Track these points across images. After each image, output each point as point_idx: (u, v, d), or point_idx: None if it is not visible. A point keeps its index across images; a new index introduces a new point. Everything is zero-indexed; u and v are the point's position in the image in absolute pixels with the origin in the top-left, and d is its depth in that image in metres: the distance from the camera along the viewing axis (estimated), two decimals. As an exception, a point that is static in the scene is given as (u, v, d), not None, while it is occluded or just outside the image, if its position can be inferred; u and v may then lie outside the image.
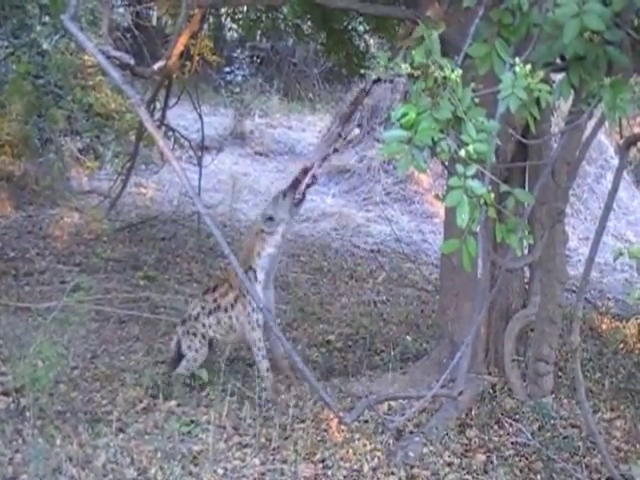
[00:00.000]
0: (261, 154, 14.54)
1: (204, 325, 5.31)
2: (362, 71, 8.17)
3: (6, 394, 4.81)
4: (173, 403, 4.86)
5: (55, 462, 4.13)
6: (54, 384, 4.89)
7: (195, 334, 5.33)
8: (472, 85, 2.87)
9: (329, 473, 4.26)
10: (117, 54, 4.61)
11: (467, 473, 4.36)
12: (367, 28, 8.51)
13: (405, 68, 2.82)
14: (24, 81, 8.82)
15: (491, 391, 5.24)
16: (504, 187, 3.01)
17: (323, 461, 4.37)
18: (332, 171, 12.65)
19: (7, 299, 6.35)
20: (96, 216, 8.59)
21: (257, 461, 4.34)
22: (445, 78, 2.75)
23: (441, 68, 2.76)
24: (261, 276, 5.18)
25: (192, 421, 4.69)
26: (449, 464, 4.43)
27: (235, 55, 17.11)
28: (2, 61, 9.16)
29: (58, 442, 4.33)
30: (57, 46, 8.91)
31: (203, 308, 5.35)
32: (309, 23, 8.70)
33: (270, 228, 5.17)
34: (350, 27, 8.24)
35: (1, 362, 5.28)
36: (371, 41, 9.75)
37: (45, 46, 8.56)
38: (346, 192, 12.02)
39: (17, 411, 4.62)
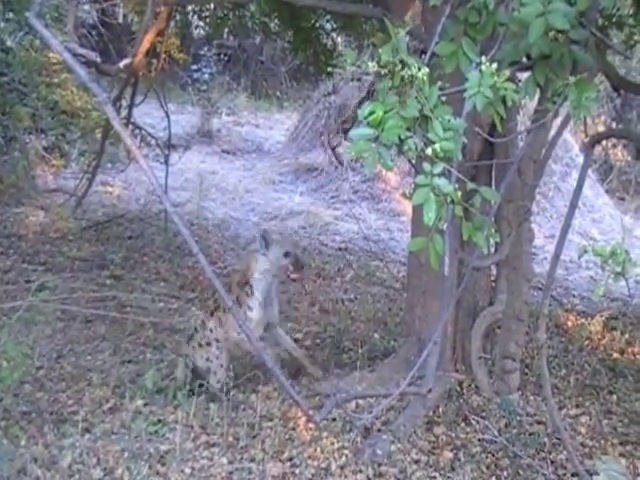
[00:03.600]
0: (228, 152, 14.51)
1: (212, 330, 5.23)
2: (329, 69, 8.18)
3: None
4: (140, 403, 4.83)
5: (20, 463, 4.08)
6: (19, 384, 4.84)
7: (209, 343, 5.20)
8: (439, 83, 2.88)
9: (297, 471, 4.26)
10: (83, 51, 4.57)
11: (434, 470, 4.38)
12: (334, 26, 8.51)
13: (372, 66, 2.83)
14: (-13, 79, 8.71)
15: (458, 388, 5.27)
16: (471, 185, 3.02)
17: (291, 459, 4.37)
18: (300, 169, 12.67)
19: (-29, 299, 6.27)
20: (62, 215, 8.51)
21: (225, 460, 4.32)
22: (412, 76, 2.76)
23: (408, 66, 2.77)
24: (257, 292, 5.16)
25: (159, 420, 4.66)
26: (416, 461, 4.45)
27: (202, 53, 17.03)
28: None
29: (23, 443, 4.29)
30: (21, 43, 8.82)
31: (205, 312, 5.29)
32: (276, 21, 8.68)
33: (262, 250, 5.16)
34: (317, 25, 8.23)
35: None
36: (338, 39, 9.76)
37: (9, 43, 8.47)
38: (314, 190, 12.03)
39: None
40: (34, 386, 5.00)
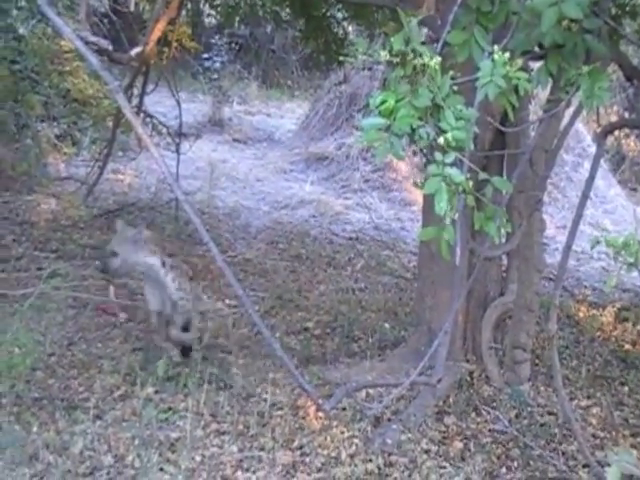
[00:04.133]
0: (239, 141, 14.51)
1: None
2: (340, 58, 8.16)
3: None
4: (150, 390, 4.85)
5: (32, 449, 4.10)
6: (31, 371, 4.86)
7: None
8: (451, 73, 2.87)
9: (307, 460, 4.27)
10: (95, 39, 4.58)
11: (445, 460, 4.38)
12: (346, 15, 8.49)
13: (384, 55, 2.82)
14: (0, 66, 8.72)
15: (469, 379, 5.27)
16: (482, 175, 3.01)
17: (301, 448, 4.38)
18: (311, 158, 12.66)
19: (-17, 286, 6.29)
20: (73, 202, 8.53)
21: (235, 448, 4.34)
22: (424, 65, 2.75)
23: (420, 55, 2.76)
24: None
25: (170, 408, 4.68)
26: (427, 451, 4.46)
27: (213, 42, 17.00)
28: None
29: (35, 429, 4.31)
30: (34, 31, 8.83)
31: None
32: (288, 10, 8.67)
33: None
34: (329, 14, 8.22)
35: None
36: (350, 28, 9.74)
37: (21, 31, 8.48)
38: (324, 179, 12.01)
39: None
40: (46, 373, 5.02)
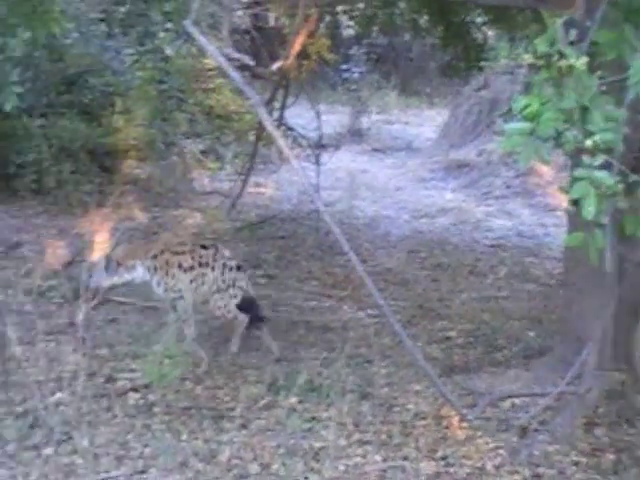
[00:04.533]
0: (378, 150, 14.54)
1: None
2: (480, 64, 8.05)
3: (135, 390, 4.97)
4: (294, 400, 4.90)
5: (182, 457, 4.22)
6: (180, 381, 5.00)
7: None
8: (598, 72, 2.77)
9: (451, 470, 4.21)
10: (238, 56, 4.69)
11: (596, 473, 4.22)
12: (486, 19, 8.37)
13: (527, 58, 2.76)
14: (149, 87, 9.09)
15: (620, 388, 5.05)
16: (633, 177, 2.89)
17: (445, 458, 4.32)
18: (451, 165, 12.53)
19: (135, 299, 6.53)
20: (218, 216, 8.76)
21: (378, 458, 4.32)
22: (570, 67, 2.67)
23: (566, 57, 2.68)
24: None
25: (313, 418, 4.71)
26: (576, 463, 4.30)
27: (352, 52, 17.13)
28: (128, 68, 9.47)
29: (184, 437, 4.44)
30: (179, 51, 9.15)
31: None
32: (426, 17, 8.63)
33: None
34: (468, 19, 8.12)
35: (131, 359, 5.44)
36: (489, 33, 9.59)
37: (168, 52, 8.81)
38: (465, 187, 11.86)
39: (146, 407, 4.76)
40: (194, 383, 5.16)
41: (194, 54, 9.37)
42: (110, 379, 5.16)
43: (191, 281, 5.62)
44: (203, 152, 10.63)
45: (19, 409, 4.60)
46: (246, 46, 10.98)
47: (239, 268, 5.75)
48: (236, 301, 5.66)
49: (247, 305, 5.71)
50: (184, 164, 10.25)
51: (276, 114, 8.70)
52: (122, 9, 8.80)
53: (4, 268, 7.02)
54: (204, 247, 5.79)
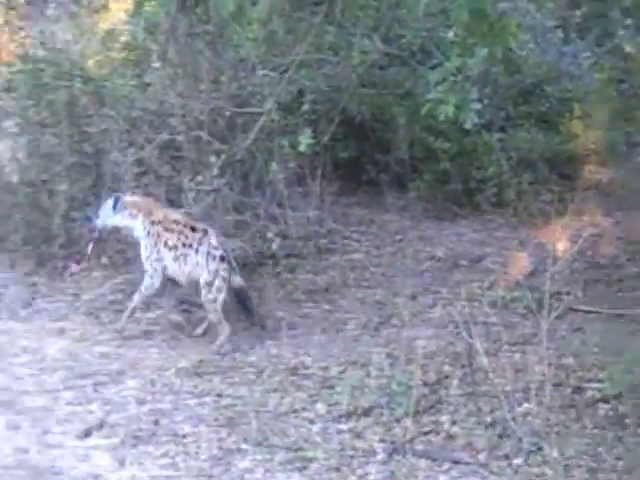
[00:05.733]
0: None
1: None
2: None
3: (605, 401, 4.83)
4: None
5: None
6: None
7: None
8: None
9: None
10: None
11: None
12: None
13: None
14: (608, 88, 8.84)
15: None
16: None
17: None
18: None
19: (600, 306, 6.37)
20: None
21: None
22: None
23: None
24: None
25: None
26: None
27: None
28: (585, 72, 9.31)
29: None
30: (640, 48, 8.74)
31: None
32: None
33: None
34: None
35: (598, 369, 5.30)
36: None
37: (628, 49, 8.46)
38: None
39: (616, 418, 4.59)
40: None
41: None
42: (578, 389, 5.08)
43: (174, 259, 5.94)
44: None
45: (488, 419, 4.72)
46: None
47: (222, 259, 5.88)
48: (223, 295, 5.85)
49: (244, 297, 6.00)
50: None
51: None
52: (578, 12, 8.66)
53: (469, 281, 7.22)
54: (193, 229, 5.96)
